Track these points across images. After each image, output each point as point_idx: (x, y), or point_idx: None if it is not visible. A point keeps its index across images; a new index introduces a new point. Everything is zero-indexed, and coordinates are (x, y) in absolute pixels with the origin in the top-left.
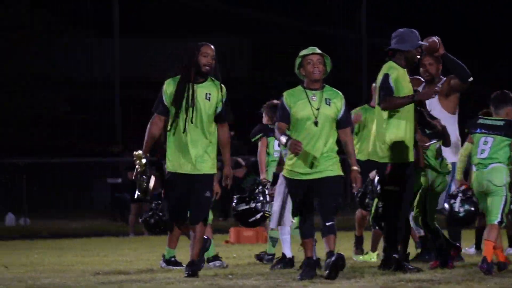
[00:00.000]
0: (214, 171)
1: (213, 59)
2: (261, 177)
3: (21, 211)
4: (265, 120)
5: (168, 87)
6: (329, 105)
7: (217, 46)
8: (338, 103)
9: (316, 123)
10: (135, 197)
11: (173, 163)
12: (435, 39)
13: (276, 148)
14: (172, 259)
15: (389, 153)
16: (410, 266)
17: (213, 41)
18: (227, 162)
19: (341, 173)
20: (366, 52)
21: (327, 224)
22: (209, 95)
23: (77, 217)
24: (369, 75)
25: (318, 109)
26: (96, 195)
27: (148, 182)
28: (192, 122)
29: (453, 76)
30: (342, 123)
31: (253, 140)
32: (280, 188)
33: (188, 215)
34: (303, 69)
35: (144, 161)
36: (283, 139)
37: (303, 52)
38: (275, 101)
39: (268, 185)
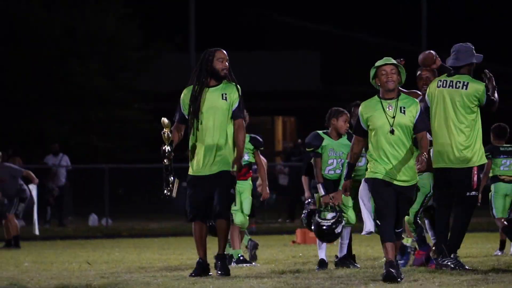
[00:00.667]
0: (234, 168)
1: (228, 63)
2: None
3: (104, 212)
4: None
5: (185, 96)
6: (404, 113)
7: (286, 60)
8: (413, 110)
9: (392, 132)
10: (162, 196)
11: (197, 166)
12: (431, 51)
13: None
14: (241, 257)
15: (477, 156)
16: (465, 266)
17: (283, 54)
18: (238, 157)
19: (417, 180)
20: None
21: (396, 231)
22: (225, 95)
23: (156, 218)
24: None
25: (393, 117)
26: (173, 198)
27: (172, 175)
28: (212, 125)
29: None
30: (417, 127)
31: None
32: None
33: (215, 212)
34: (378, 79)
35: (168, 134)
36: (345, 171)
37: (377, 63)
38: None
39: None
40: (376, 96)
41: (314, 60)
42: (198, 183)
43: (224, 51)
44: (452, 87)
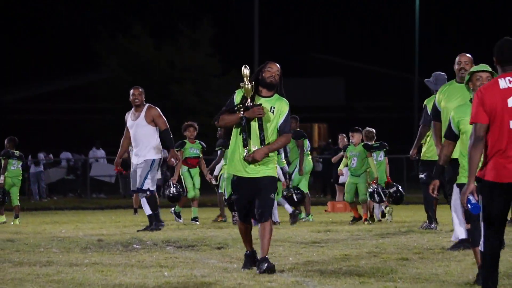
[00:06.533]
0: (275, 174)
1: (278, 75)
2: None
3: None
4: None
5: (238, 96)
6: None
7: (320, 84)
8: None
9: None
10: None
11: (236, 166)
12: None
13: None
14: (172, 211)
15: None
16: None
17: (318, 80)
18: (267, 148)
19: None
20: (417, 89)
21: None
22: (273, 108)
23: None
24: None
25: None
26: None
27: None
28: (254, 132)
29: None
30: None
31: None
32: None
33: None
34: (472, 83)
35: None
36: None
37: (474, 68)
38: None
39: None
40: (468, 101)
41: (339, 84)
42: (240, 183)
43: (277, 65)
44: None
